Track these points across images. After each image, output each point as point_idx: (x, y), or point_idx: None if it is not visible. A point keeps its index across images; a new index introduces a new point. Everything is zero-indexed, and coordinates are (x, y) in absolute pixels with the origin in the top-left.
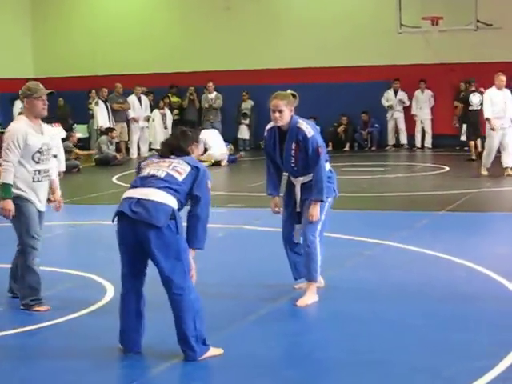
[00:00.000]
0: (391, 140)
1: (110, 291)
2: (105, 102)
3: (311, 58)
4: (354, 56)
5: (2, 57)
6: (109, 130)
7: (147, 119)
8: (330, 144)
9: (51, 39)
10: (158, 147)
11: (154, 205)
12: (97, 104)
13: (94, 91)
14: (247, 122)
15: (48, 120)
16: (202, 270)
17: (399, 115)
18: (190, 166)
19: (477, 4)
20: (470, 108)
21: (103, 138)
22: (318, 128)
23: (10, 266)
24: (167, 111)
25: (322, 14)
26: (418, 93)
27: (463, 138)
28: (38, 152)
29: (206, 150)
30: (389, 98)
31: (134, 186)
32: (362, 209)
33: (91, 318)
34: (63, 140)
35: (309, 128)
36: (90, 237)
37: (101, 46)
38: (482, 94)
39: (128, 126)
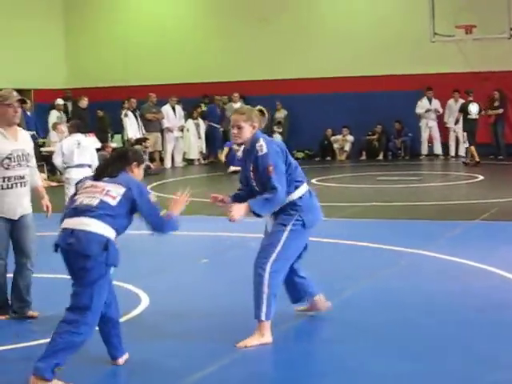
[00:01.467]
0: (425, 149)
1: (145, 301)
2: (134, 112)
3: (344, 68)
4: (387, 65)
5: (36, 68)
6: (142, 140)
7: (181, 129)
8: (364, 153)
9: (84, 49)
10: (192, 157)
11: (85, 235)
12: (126, 115)
13: (126, 101)
14: (281, 130)
15: (84, 131)
16: (231, 279)
17: (433, 124)
18: (124, 186)
19: (510, 12)
20: (469, 117)
21: (136, 147)
22: (281, 147)
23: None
24: (201, 121)
25: (355, 24)
26: (451, 102)
27: (465, 145)
28: (7, 158)
29: None
30: (423, 106)
31: (69, 216)
32: (395, 218)
33: (126, 327)
34: (98, 150)
35: (263, 146)
36: (124, 246)
37: (134, 56)
38: (479, 104)
39: (162, 136)
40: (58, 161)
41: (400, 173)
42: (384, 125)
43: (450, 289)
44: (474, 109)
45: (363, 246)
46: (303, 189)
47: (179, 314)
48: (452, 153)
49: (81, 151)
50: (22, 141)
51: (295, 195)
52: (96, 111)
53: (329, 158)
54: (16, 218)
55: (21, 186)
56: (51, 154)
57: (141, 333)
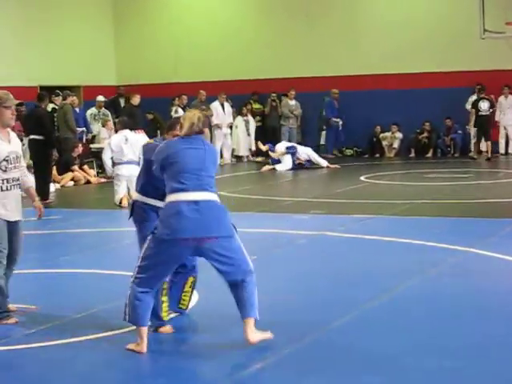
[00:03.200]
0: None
1: (194, 296)
2: (184, 109)
3: (393, 64)
4: (437, 61)
5: (87, 65)
6: None
7: (230, 126)
8: (413, 150)
9: (134, 47)
10: (241, 154)
11: None
12: (176, 112)
13: (176, 98)
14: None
15: (133, 127)
16: (281, 277)
17: None
18: None
19: None
20: (480, 113)
21: None
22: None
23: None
24: (250, 118)
25: (405, 20)
26: (501, 98)
27: (474, 140)
28: (5, 160)
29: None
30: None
31: None
32: (445, 215)
33: (177, 320)
34: None
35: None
36: None
37: (184, 53)
38: (491, 100)
39: (211, 133)
40: (106, 157)
41: (449, 170)
42: (433, 122)
43: (502, 288)
44: (484, 105)
45: (413, 244)
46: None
47: (229, 312)
48: (502, 150)
49: (129, 147)
50: (14, 143)
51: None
52: (145, 114)
53: (377, 155)
54: (13, 220)
55: (17, 188)
56: (101, 150)
57: (194, 327)
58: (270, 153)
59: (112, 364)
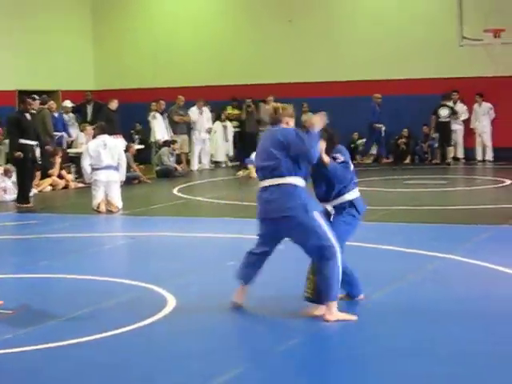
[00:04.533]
0: (451, 153)
1: (171, 302)
2: (162, 114)
3: (371, 71)
4: (415, 68)
5: (65, 69)
6: (170, 142)
7: (209, 131)
8: (391, 156)
9: (113, 52)
10: (219, 159)
11: None
12: (154, 117)
13: (153, 104)
14: None
15: (111, 132)
16: (258, 282)
17: (458, 127)
18: None
19: None
20: (440, 120)
21: (164, 149)
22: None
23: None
24: (228, 123)
25: (384, 27)
26: (475, 106)
27: (436, 145)
28: None
29: None
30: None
31: None
32: (423, 221)
33: (151, 328)
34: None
35: None
36: (151, 248)
37: (163, 58)
38: (451, 107)
39: (189, 138)
40: (85, 163)
41: (427, 176)
42: (411, 128)
43: (477, 294)
44: (443, 112)
45: (391, 250)
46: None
47: (205, 316)
48: (479, 157)
49: (107, 152)
50: None
51: None
52: (135, 124)
53: (355, 162)
54: None
55: None
56: (79, 155)
57: (168, 334)
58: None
59: (93, 367)
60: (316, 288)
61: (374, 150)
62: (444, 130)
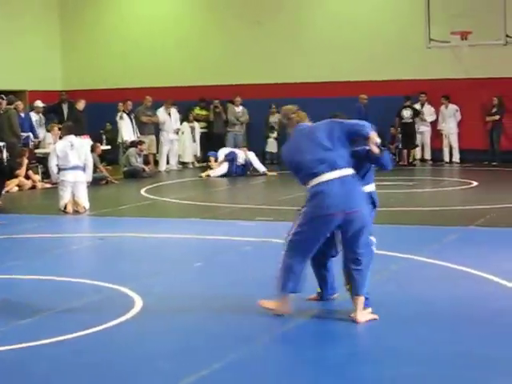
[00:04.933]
0: (418, 154)
1: (138, 302)
2: (129, 114)
3: (340, 72)
4: (383, 70)
5: (32, 69)
6: (138, 143)
7: (177, 132)
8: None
9: (81, 52)
10: (187, 160)
11: None
12: (121, 118)
13: (120, 104)
14: (275, 135)
15: (78, 133)
16: (227, 283)
17: (425, 129)
18: None
19: (506, 19)
20: (403, 121)
21: (132, 150)
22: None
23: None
24: (196, 124)
25: (351, 29)
26: (442, 108)
27: (400, 145)
28: None
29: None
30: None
31: None
32: (391, 223)
33: (118, 329)
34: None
35: None
36: (118, 249)
37: (131, 58)
38: (414, 109)
39: (157, 139)
40: (52, 163)
41: (395, 178)
42: (379, 130)
43: (442, 295)
44: (406, 113)
45: None
46: (314, 181)
47: (172, 317)
48: (446, 158)
49: (75, 153)
50: None
51: (308, 186)
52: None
53: None
54: None
55: None
56: (46, 155)
57: (136, 334)
58: (213, 162)
59: (61, 368)
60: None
61: None
62: (407, 131)
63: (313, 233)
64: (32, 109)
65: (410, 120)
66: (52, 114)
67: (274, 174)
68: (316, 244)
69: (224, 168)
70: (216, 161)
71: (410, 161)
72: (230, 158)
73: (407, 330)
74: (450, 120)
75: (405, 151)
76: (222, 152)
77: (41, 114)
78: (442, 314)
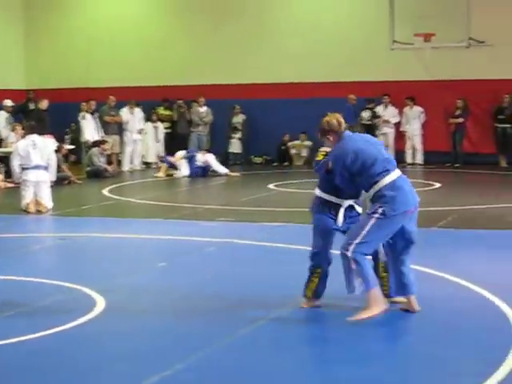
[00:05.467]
0: None
1: (101, 303)
2: (92, 114)
3: (303, 74)
4: (346, 71)
5: None
6: (101, 142)
7: (140, 132)
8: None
9: (45, 51)
10: (150, 160)
11: None
12: (83, 117)
13: (83, 104)
14: (238, 135)
15: (41, 132)
16: (190, 283)
17: (389, 131)
18: None
19: (469, 21)
20: (362, 122)
21: (94, 150)
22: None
23: None
24: (159, 124)
25: (314, 30)
26: (406, 109)
27: None
28: None
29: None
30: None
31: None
32: None
33: (80, 330)
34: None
35: None
36: (81, 249)
37: (94, 58)
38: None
39: (121, 139)
40: (14, 163)
41: None
42: None
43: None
44: (365, 115)
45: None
46: (387, 179)
47: (135, 318)
48: (409, 160)
49: (37, 152)
50: None
51: (377, 187)
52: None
53: (286, 164)
54: None
55: None
56: (8, 154)
57: (98, 335)
58: (169, 159)
59: (21, 369)
60: (395, 281)
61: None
62: (367, 132)
63: (389, 230)
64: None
65: (369, 121)
66: (21, 113)
67: (237, 174)
68: (384, 241)
69: (185, 170)
70: (172, 166)
71: None
72: (190, 157)
73: (366, 331)
74: (415, 122)
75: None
76: (182, 152)
77: (9, 114)
78: (403, 315)
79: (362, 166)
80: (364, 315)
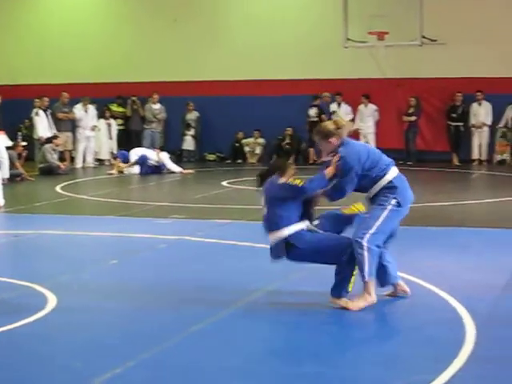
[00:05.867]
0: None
1: (52, 301)
2: (45, 111)
3: (257, 71)
4: (299, 69)
5: None
6: (53, 138)
7: (93, 129)
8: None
9: None
10: (103, 157)
11: None
12: (37, 114)
13: (37, 100)
14: (192, 132)
15: None
16: (142, 280)
17: None
18: None
19: (422, 20)
20: (309, 119)
21: (47, 146)
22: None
23: None
24: (112, 121)
25: (268, 28)
26: (361, 107)
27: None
28: None
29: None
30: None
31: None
32: None
33: (31, 327)
34: (7, 148)
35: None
36: (33, 246)
37: (47, 54)
38: (320, 107)
39: (74, 136)
40: None
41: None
42: (296, 129)
43: (355, 292)
44: (311, 112)
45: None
46: (393, 173)
47: (87, 315)
48: None
49: None
50: None
51: (386, 180)
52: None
53: (240, 161)
54: None
55: None
56: None
57: (48, 333)
58: (119, 163)
59: None
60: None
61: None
62: (312, 128)
63: (395, 223)
64: None
65: (316, 118)
66: None
67: (191, 171)
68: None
69: (136, 169)
70: (125, 162)
71: (314, 159)
72: (141, 162)
73: (320, 326)
74: (369, 119)
75: (311, 150)
76: (134, 153)
77: None
78: (352, 313)
79: (372, 161)
80: (361, 303)
